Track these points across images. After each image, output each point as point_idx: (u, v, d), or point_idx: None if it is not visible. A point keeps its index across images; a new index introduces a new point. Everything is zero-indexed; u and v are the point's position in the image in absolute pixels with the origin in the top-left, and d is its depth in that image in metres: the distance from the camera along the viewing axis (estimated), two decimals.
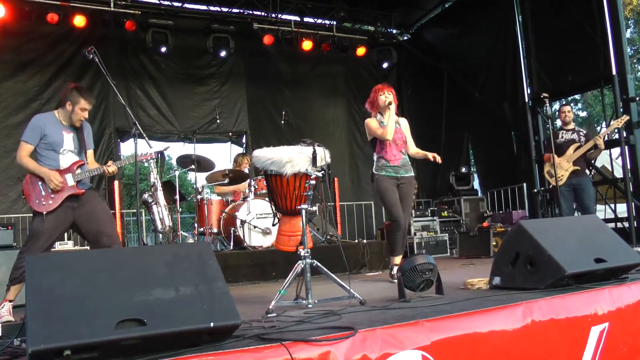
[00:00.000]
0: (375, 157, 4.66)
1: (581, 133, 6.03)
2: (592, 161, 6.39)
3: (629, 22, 18.64)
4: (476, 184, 9.59)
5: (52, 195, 3.59)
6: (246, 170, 7.01)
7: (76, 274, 2.00)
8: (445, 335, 2.29)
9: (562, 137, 6.02)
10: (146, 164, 4.14)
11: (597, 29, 7.19)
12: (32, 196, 3.59)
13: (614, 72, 7.07)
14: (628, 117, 6.28)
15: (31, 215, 3.72)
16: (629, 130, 6.88)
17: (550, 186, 5.76)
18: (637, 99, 6.88)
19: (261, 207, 6.02)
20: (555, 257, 2.96)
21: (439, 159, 4.61)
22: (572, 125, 6.11)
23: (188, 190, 13.76)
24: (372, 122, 4.63)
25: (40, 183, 3.60)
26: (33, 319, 1.82)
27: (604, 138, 5.90)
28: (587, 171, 6.07)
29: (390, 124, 4.49)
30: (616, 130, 6.87)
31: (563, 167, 5.84)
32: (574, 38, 7.48)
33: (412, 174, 4.69)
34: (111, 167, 3.76)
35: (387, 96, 4.55)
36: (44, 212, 3.55)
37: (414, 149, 4.74)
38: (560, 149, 5.90)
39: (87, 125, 3.91)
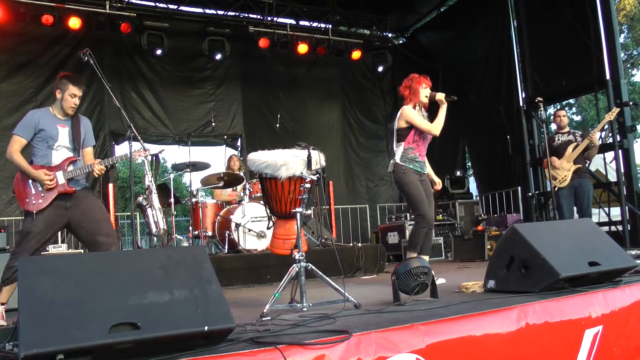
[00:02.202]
0: (401, 148, 4.45)
1: (577, 134, 6.07)
2: (587, 164, 6.43)
3: (623, 27, 18.78)
4: (471, 188, 9.62)
5: (42, 195, 3.53)
6: (241, 173, 7.00)
7: (69, 277, 1.99)
8: (439, 339, 2.29)
9: (559, 139, 6.06)
10: (139, 161, 4.05)
11: (591, 34, 7.23)
12: (22, 195, 3.53)
13: (608, 77, 7.11)
14: (619, 109, 6.31)
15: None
16: (623, 134, 6.93)
17: (556, 189, 5.80)
18: (631, 103, 6.92)
19: (256, 210, 6.01)
20: (549, 260, 2.96)
21: (438, 186, 4.67)
22: (567, 129, 6.15)
23: (183, 194, 13.74)
24: (413, 113, 4.44)
25: (30, 182, 3.55)
26: (25, 322, 1.80)
27: (599, 136, 5.94)
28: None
29: (442, 120, 4.40)
30: (610, 135, 6.90)
31: (565, 168, 5.87)
32: (568, 42, 7.53)
33: None
34: (98, 166, 3.63)
35: (430, 90, 4.49)
36: (34, 212, 3.49)
37: None
38: (558, 151, 5.94)
39: (86, 121, 3.83)
